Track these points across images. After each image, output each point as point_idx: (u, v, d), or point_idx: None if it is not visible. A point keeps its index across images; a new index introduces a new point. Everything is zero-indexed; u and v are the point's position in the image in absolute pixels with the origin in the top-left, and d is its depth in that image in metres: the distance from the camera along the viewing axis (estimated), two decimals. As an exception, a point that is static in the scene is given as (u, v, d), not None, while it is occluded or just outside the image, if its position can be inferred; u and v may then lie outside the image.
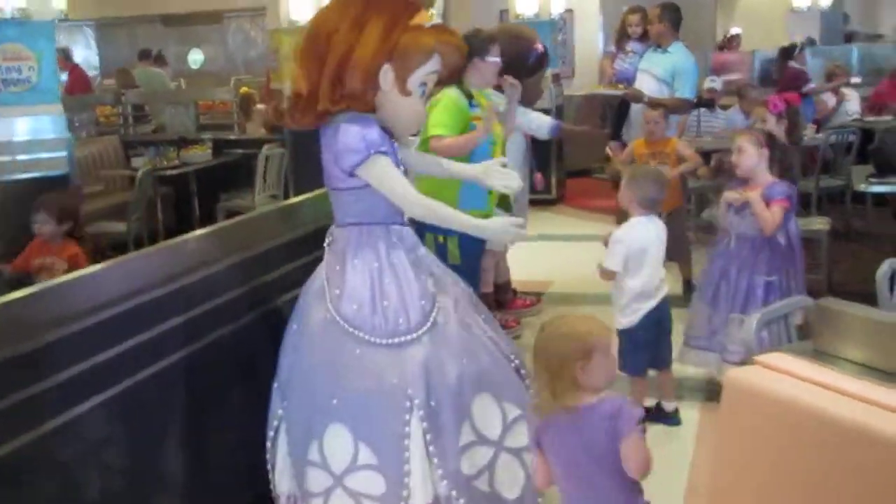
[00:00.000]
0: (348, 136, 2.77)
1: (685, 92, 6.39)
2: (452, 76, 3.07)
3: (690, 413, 4.34)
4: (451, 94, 4.44)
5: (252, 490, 3.06)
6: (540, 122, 5.77)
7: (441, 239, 4.23)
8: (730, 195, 4.32)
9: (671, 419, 4.23)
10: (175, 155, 8.43)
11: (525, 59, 5.32)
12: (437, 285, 2.92)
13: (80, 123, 9.20)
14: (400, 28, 2.77)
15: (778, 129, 4.75)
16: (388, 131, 2.88)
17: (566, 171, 10.21)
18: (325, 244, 2.96)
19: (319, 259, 2.98)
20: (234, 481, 3.05)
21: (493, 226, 3.09)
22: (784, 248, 4.30)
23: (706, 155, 6.71)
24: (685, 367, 4.55)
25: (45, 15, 7.01)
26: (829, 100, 9.21)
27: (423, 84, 2.89)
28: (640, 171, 4.26)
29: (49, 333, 2.30)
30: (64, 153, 5.92)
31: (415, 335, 2.78)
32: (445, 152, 4.27)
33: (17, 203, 5.43)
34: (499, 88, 5.00)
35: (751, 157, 4.22)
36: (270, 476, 2.99)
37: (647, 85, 6.39)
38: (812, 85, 9.25)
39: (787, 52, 9.49)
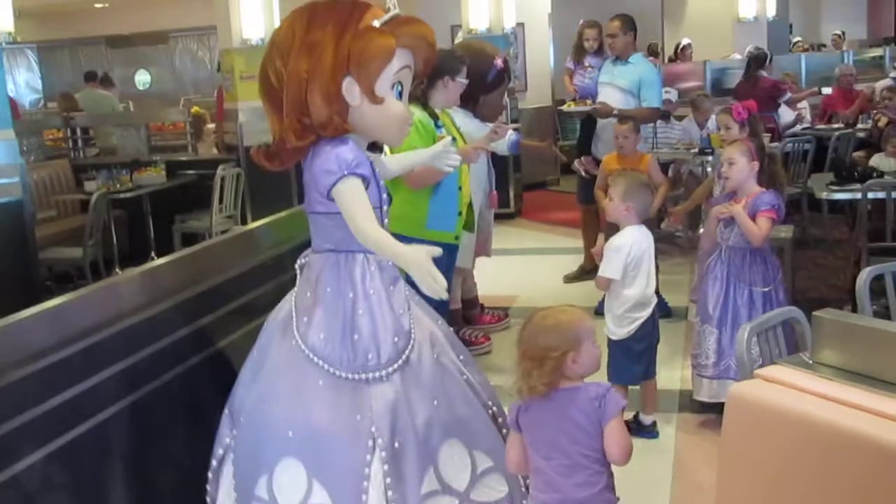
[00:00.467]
0: (323, 157, 2.60)
1: (653, 102, 6.42)
2: (427, 67, 2.81)
3: (667, 427, 4.32)
4: (418, 115, 4.41)
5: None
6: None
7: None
8: (717, 209, 4.31)
9: (649, 433, 4.21)
10: (128, 178, 8.30)
11: (485, 75, 5.31)
12: (415, 321, 2.74)
13: (28, 148, 9.03)
14: (349, 35, 2.54)
15: (741, 137, 4.76)
16: (378, 145, 2.77)
17: (522, 185, 10.25)
18: (296, 269, 2.81)
19: (278, 287, 2.84)
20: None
21: (408, 255, 2.57)
22: (774, 258, 4.32)
23: (663, 166, 6.75)
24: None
25: (-9, 37, 6.87)
26: (787, 114, 9.23)
27: (398, 83, 2.66)
28: (634, 180, 4.21)
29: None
30: (17, 178, 5.77)
31: (384, 372, 2.61)
32: (420, 178, 4.24)
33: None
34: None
35: (741, 170, 4.18)
36: None
37: (611, 97, 6.39)
38: (789, 95, 9.30)
39: (760, 61, 9.19)
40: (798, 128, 9.04)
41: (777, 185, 4.25)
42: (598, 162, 6.46)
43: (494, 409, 2.87)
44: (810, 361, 2.43)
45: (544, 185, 11.75)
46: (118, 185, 8.13)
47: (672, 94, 8.78)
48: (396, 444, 2.56)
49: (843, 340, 2.37)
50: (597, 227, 6.60)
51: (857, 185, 5.63)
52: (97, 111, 11.15)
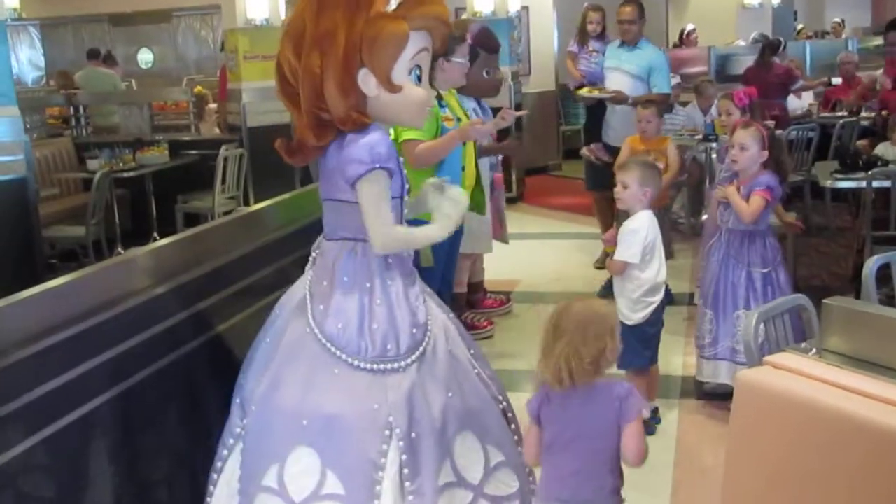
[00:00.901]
0: (354, 147, 2.54)
1: (663, 87, 6.44)
2: (444, 46, 2.73)
3: (669, 413, 4.34)
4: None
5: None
6: None
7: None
8: (717, 192, 4.33)
9: (652, 418, 4.22)
10: (131, 157, 8.28)
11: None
12: (430, 315, 2.70)
13: (31, 125, 9.01)
14: (360, 24, 2.46)
15: (756, 123, 4.75)
16: None
17: (525, 170, 10.24)
18: (311, 256, 2.76)
19: (280, 270, 2.80)
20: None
21: (451, 211, 2.73)
22: (774, 240, 4.33)
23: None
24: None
25: (-3, 14, 6.81)
26: (792, 101, 9.20)
27: (416, 67, 2.59)
28: (649, 166, 4.21)
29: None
30: (21, 156, 5.75)
31: (402, 363, 2.56)
32: (423, 158, 4.22)
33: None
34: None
35: (752, 156, 4.17)
36: None
37: (620, 82, 6.40)
38: (801, 82, 9.26)
39: (774, 48, 9.10)
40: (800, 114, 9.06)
41: (781, 173, 4.25)
42: (608, 148, 6.46)
43: (504, 403, 2.84)
44: (818, 349, 2.44)
45: (546, 169, 11.74)
46: (121, 164, 8.12)
47: (676, 80, 8.77)
48: (413, 435, 2.52)
49: (853, 328, 2.38)
50: (611, 212, 6.58)
51: (862, 174, 5.63)
52: (99, 89, 11.09)
